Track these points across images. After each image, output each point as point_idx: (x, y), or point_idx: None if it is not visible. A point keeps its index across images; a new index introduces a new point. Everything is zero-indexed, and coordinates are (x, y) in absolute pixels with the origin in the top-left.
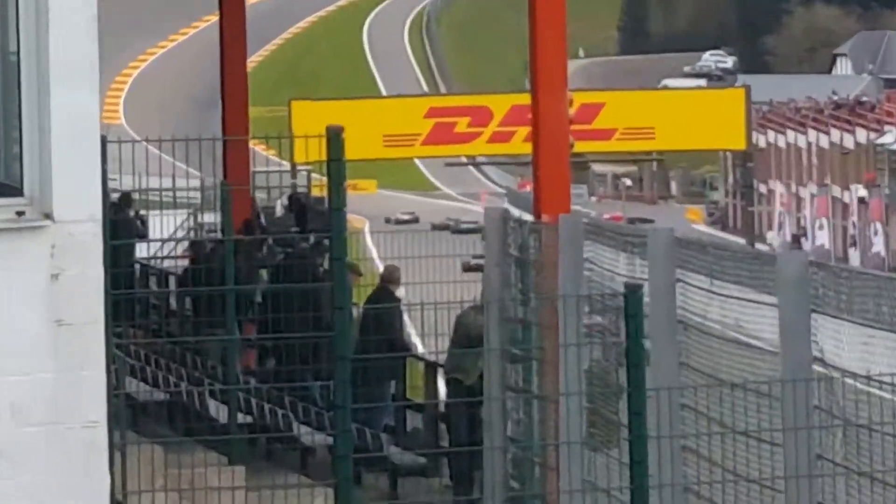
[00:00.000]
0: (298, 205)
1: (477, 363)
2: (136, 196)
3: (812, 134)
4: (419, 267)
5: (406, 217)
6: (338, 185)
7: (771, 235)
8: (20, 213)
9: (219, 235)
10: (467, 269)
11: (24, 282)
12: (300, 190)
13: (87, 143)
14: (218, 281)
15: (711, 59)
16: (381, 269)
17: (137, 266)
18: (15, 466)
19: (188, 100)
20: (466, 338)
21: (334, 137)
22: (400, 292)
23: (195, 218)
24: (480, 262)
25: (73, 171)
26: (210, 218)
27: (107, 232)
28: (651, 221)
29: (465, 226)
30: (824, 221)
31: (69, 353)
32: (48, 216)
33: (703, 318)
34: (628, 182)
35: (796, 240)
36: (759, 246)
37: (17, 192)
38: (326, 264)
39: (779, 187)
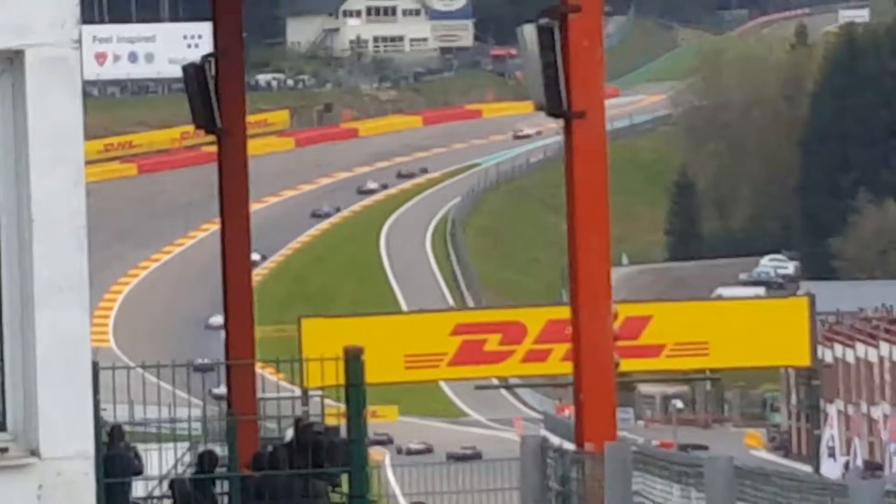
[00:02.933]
0: (309, 436)
1: None
2: (128, 428)
3: (885, 347)
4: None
5: (418, 447)
6: (357, 413)
7: (829, 466)
8: (3, 451)
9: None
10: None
11: None
12: (313, 418)
13: (77, 370)
14: None
15: (771, 264)
16: None
17: None
18: None
19: (186, 319)
20: None
21: (353, 360)
22: None
23: (196, 451)
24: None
25: (61, 401)
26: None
27: (100, 470)
28: (706, 448)
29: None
30: None
31: None
32: (34, 453)
33: None
34: (679, 404)
35: (870, 467)
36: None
37: None
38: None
39: (849, 408)
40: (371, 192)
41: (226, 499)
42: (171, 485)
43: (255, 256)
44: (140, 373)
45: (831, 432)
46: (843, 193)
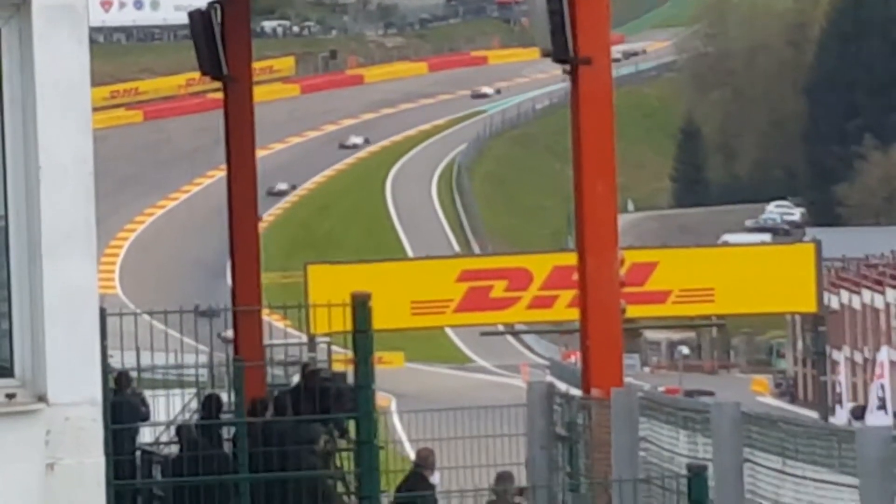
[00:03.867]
0: (315, 382)
1: None
2: (134, 374)
3: (891, 293)
4: (455, 449)
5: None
6: (365, 360)
7: (837, 412)
8: (10, 396)
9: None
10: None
11: (17, 473)
12: (320, 364)
13: (84, 316)
14: (223, 468)
15: (777, 210)
16: (410, 453)
17: (139, 453)
18: None
19: (192, 266)
20: None
21: (360, 306)
22: (434, 478)
23: (201, 397)
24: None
25: (69, 348)
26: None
27: (107, 416)
28: (712, 394)
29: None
30: None
31: None
32: (42, 399)
33: (775, 502)
34: (685, 350)
35: (857, 414)
36: (833, 420)
37: (6, 372)
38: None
39: (855, 355)
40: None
41: (231, 444)
42: (178, 431)
43: (283, 185)
44: (147, 319)
45: (838, 378)
46: (849, 140)
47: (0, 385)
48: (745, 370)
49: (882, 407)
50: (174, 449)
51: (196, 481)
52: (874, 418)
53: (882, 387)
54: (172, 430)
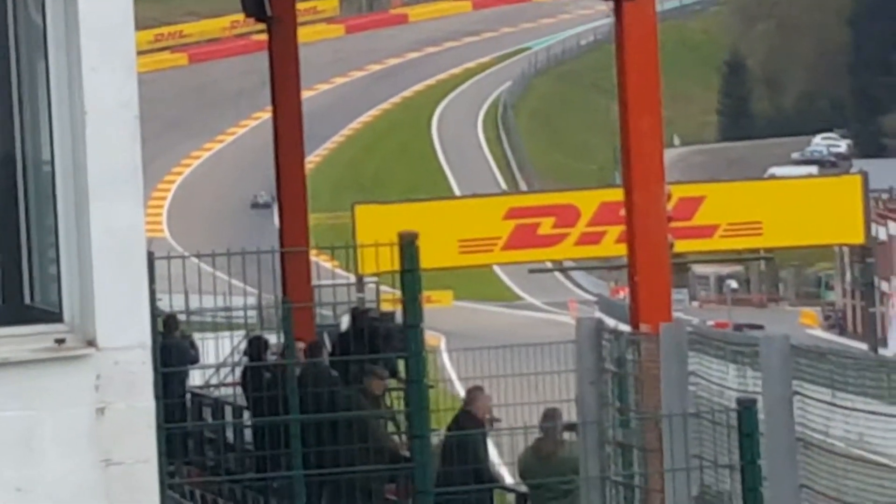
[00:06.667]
0: (365, 322)
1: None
2: (182, 317)
3: None
4: (504, 387)
5: None
6: (413, 299)
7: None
8: (60, 342)
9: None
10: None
11: (67, 419)
12: (368, 305)
13: (132, 260)
14: (281, 410)
15: (823, 143)
16: (459, 391)
17: (189, 396)
18: None
19: (239, 209)
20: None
21: (408, 245)
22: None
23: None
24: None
25: (117, 292)
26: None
27: (156, 359)
28: (761, 327)
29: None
30: None
31: (119, 496)
32: (91, 343)
33: (825, 434)
34: (734, 284)
35: None
36: (883, 352)
37: (55, 317)
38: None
39: None
40: None
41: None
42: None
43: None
44: (195, 262)
45: (890, 310)
46: (895, 70)
47: (49, 330)
48: (794, 303)
49: None
50: (224, 391)
51: (249, 424)
52: None
53: None
54: (223, 372)
